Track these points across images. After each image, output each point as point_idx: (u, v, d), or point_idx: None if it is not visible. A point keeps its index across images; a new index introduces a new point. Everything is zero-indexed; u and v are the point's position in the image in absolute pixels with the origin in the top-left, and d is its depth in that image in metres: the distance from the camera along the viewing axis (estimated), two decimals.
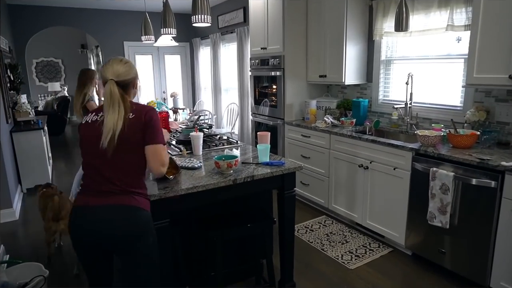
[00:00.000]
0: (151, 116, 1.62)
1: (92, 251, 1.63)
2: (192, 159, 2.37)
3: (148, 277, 1.65)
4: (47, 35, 8.79)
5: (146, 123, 1.60)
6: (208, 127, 3.33)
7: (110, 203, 1.55)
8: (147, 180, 1.91)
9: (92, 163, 1.60)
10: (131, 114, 1.60)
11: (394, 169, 2.83)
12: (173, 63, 7.87)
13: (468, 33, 2.61)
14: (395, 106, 3.34)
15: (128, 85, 1.68)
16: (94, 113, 1.66)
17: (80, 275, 2.71)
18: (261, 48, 4.30)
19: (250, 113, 4.95)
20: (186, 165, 2.19)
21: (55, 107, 8.74)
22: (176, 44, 4.94)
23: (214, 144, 2.80)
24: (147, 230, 1.61)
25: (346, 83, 3.66)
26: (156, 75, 7.71)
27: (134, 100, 1.75)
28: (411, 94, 3.23)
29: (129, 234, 1.56)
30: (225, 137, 3.06)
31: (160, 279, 1.75)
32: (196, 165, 2.19)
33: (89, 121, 1.64)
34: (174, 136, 3.18)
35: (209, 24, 2.75)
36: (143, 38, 4.38)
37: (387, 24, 3.39)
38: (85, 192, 1.61)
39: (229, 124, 6.23)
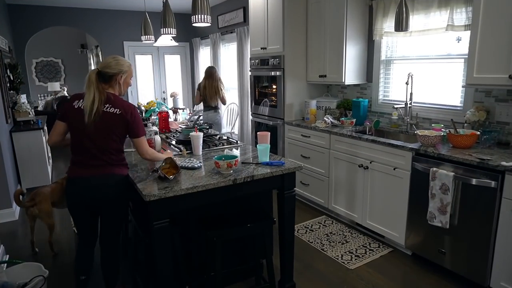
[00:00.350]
0: (135, 115, 2.03)
1: (82, 211, 2.11)
2: (192, 159, 2.37)
3: (117, 226, 2.18)
4: (47, 35, 8.79)
5: (130, 122, 2.00)
6: (208, 127, 3.33)
7: (94, 174, 1.99)
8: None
9: (80, 143, 1.98)
10: (116, 110, 1.97)
11: (394, 169, 2.83)
12: (173, 63, 7.87)
13: (468, 33, 2.61)
14: (395, 106, 3.34)
15: (111, 77, 2.01)
16: (78, 100, 2.00)
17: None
18: (261, 48, 4.30)
19: (250, 113, 4.95)
20: (186, 165, 2.19)
21: (55, 107, 8.72)
22: (176, 44, 4.94)
23: (214, 144, 2.79)
24: (121, 189, 2.07)
25: (346, 83, 3.65)
26: (156, 75, 7.71)
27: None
28: (411, 94, 3.23)
29: (107, 195, 2.03)
30: (225, 137, 3.06)
31: (160, 278, 1.95)
32: (196, 165, 2.19)
33: (76, 107, 1.98)
34: (174, 136, 3.18)
35: (209, 24, 2.75)
36: (143, 38, 4.38)
37: (387, 24, 3.39)
38: (76, 165, 2.03)
39: (229, 124, 6.23)
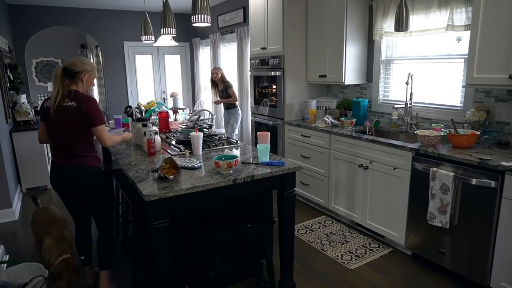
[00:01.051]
0: (90, 106, 2.17)
1: (63, 196, 2.37)
2: (192, 159, 2.37)
3: (103, 209, 2.40)
4: (47, 35, 8.78)
5: (85, 113, 2.16)
6: (208, 127, 3.33)
7: (67, 163, 2.23)
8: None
9: (52, 136, 2.26)
10: (73, 103, 2.15)
11: (394, 169, 2.83)
12: (173, 63, 7.86)
13: (468, 33, 2.61)
14: (395, 106, 3.34)
15: (75, 74, 2.22)
16: (48, 100, 2.24)
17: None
18: (261, 48, 4.30)
19: (250, 113, 4.95)
20: (186, 165, 2.19)
21: None
22: (176, 44, 4.94)
23: (214, 144, 2.79)
24: (93, 179, 2.28)
25: (346, 83, 3.66)
26: (156, 75, 7.71)
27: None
28: (411, 94, 3.23)
29: (81, 183, 2.24)
30: (225, 137, 3.05)
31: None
32: (196, 165, 2.19)
33: (45, 106, 2.24)
34: (174, 136, 3.18)
35: (209, 24, 2.75)
36: (143, 38, 4.38)
37: (387, 24, 3.39)
38: (54, 154, 2.30)
39: None
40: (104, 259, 2.46)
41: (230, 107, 5.34)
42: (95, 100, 2.25)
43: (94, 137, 2.28)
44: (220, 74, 5.25)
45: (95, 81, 10.35)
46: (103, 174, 2.36)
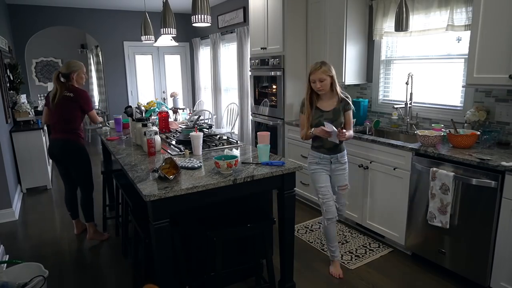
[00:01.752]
0: (84, 97, 3.06)
1: (56, 163, 3.22)
2: (192, 159, 2.37)
3: (81, 177, 3.18)
4: (47, 35, 8.77)
5: (83, 104, 3.05)
6: (208, 127, 3.33)
7: (58, 137, 3.06)
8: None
9: (51, 117, 3.11)
10: (71, 93, 2.99)
11: (394, 169, 2.83)
12: (173, 63, 7.87)
13: (468, 33, 2.61)
14: (395, 106, 3.34)
15: (67, 75, 3.04)
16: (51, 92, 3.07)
17: (80, 277, 2.71)
18: (261, 48, 4.30)
19: (250, 113, 4.95)
20: (186, 165, 2.19)
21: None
22: (176, 44, 4.94)
23: (214, 144, 2.79)
24: (74, 150, 3.09)
25: (346, 83, 3.65)
26: (156, 75, 7.71)
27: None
28: (411, 94, 3.23)
29: (65, 152, 3.08)
30: (225, 137, 3.05)
31: None
32: (196, 165, 2.19)
33: (48, 96, 3.09)
34: (174, 136, 3.18)
35: (209, 24, 2.75)
36: (143, 38, 4.38)
37: (387, 24, 3.39)
38: (52, 132, 3.13)
39: (229, 124, 6.23)
40: (87, 213, 3.24)
41: (341, 148, 2.64)
42: (86, 91, 3.13)
43: (81, 120, 3.13)
44: (329, 79, 2.51)
45: (94, 80, 10.31)
46: (82, 148, 3.14)
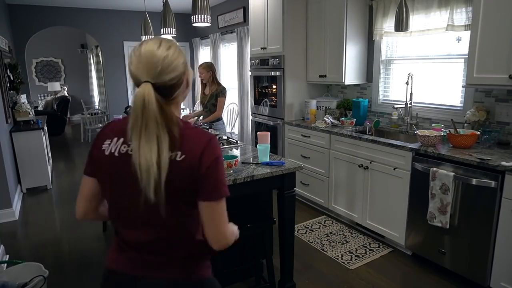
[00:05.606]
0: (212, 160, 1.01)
1: None
2: None
3: None
4: (47, 35, 8.79)
5: (204, 174, 0.99)
6: (207, 127, 3.33)
7: (159, 276, 1.08)
8: None
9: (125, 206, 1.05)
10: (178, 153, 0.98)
11: (394, 169, 2.83)
12: None
13: (468, 33, 2.61)
14: (395, 106, 3.34)
15: (172, 87, 1.01)
16: (117, 137, 1.04)
17: (80, 277, 2.71)
18: (261, 48, 4.30)
19: (250, 113, 4.95)
20: None
21: (55, 107, 8.73)
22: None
23: None
24: None
25: (346, 83, 3.65)
26: None
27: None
28: (411, 94, 3.23)
29: None
30: (225, 137, 3.05)
31: None
32: None
33: (114, 152, 1.02)
34: None
35: (209, 24, 2.75)
36: (143, 38, 4.38)
37: (387, 24, 3.39)
38: (122, 251, 1.14)
39: (229, 124, 6.23)
40: None
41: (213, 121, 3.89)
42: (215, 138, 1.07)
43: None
44: (210, 74, 3.92)
45: (94, 80, 10.32)
46: None
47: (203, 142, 1.01)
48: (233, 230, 1.16)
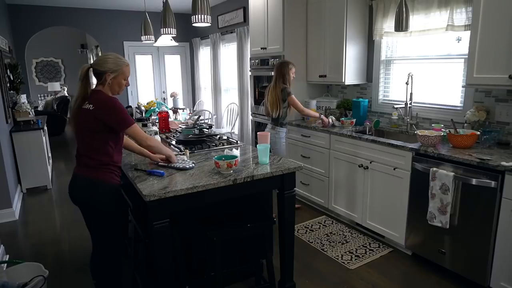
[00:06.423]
0: (109, 110, 1.86)
1: (78, 207, 2.04)
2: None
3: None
4: (47, 35, 8.78)
5: (106, 119, 1.86)
6: (208, 127, 3.33)
7: (81, 173, 1.94)
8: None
9: (77, 142, 1.99)
10: (90, 105, 1.84)
11: (394, 169, 2.83)
12: (173, 63, 7.87)
13: (468, 33, 2.60)
14: (395, 106, 3.34)
15: (100, 75, 1.90)
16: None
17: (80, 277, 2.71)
18: (261, 48, 4.29)
19: (250, 113, 4.95)
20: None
21: (55, 107, 8.74)
22: (176, 44, 4.94)
23: (214, 144, 2.79)
24: (106, 201, 1.97)
25: (346, 83, 3.66)
26: (156, 75, 7.71)
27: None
28: (411, 94, 3.23)
29: (89, 202, 1.97)
30: (225, 137, 3.05)
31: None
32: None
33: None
34: (174, 136, 3.18)
35: (209, 24, 2.75)
36: (143, 38, 4.38)
37: (387, 24, 3.39)
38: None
39: (229, 124, 6.23)
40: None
41: (277, 123, 3.50)
42: (114, 99, 1.88)
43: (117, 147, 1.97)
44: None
45: (94, 81, 10.44)
46: (119, 194, 2.02)
47: (100, 99, 1.86)
48: None
